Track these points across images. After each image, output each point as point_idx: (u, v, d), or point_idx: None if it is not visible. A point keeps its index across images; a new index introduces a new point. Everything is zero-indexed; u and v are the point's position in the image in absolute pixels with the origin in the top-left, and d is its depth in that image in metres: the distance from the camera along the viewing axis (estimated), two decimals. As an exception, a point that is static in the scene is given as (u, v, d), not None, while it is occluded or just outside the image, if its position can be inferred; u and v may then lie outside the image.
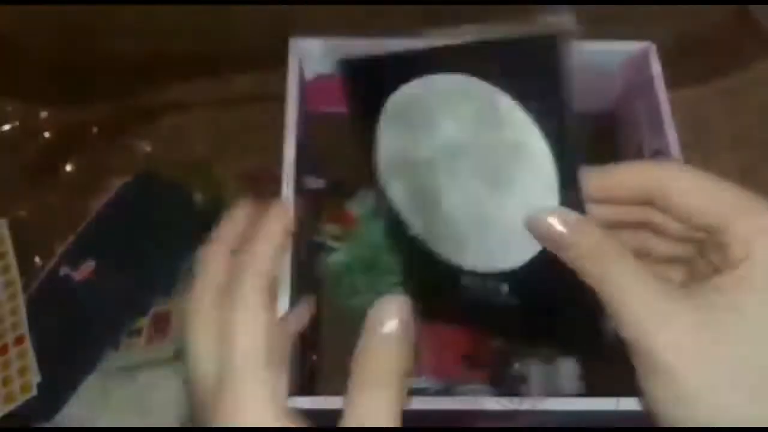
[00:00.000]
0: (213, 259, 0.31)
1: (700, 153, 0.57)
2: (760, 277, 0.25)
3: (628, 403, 0.37)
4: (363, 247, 0.53)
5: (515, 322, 0.33)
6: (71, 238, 0.54)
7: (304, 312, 0.37)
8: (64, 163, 0.58)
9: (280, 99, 0.46)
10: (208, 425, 0.27)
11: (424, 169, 0.31)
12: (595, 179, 0.29)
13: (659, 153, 0.46)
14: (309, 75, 0.49)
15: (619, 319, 0.26)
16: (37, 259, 0.54)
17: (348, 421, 0.25)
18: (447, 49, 0.30)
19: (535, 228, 0.28)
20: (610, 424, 0.41)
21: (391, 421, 0.25)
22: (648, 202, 0.29)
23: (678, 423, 0.25)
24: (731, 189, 0.27)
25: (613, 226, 0.30)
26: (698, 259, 0.29)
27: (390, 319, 0.28)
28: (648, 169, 0.29)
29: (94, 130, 0.59)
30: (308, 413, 0.36)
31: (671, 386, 0.25)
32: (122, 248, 0.53)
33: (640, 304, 0.25)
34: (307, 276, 0.47)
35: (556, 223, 0.27)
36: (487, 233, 0.31)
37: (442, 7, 0.61)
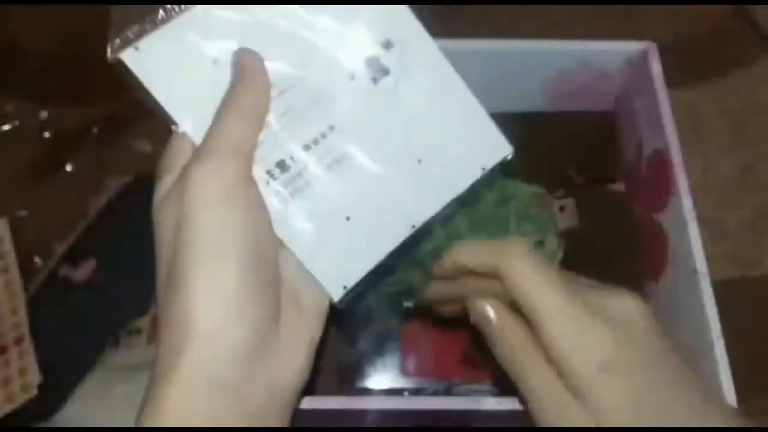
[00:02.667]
0: None
1: (700, 153, 0.57)
2: None
3: (628, 403, 0.37)
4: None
5: None
6: (71, 238, 0.54)
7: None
8: (64, 163, 0.58)
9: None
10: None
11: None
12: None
13: (659, 152, 0.46)
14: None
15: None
16: (37, 259, 0.54)
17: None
18: None
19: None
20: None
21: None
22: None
23: None
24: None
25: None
26: None
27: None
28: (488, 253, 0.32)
29: (94, 130, 0.59)
30: (309, 413, 0.36)
31: None
32: (122, 248, 0.53)
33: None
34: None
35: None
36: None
37: (443, 7, 0.61)
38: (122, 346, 0.51)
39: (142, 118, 0.59)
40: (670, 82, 0.47)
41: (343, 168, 0.32)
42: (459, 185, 0.33)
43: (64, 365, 0.50)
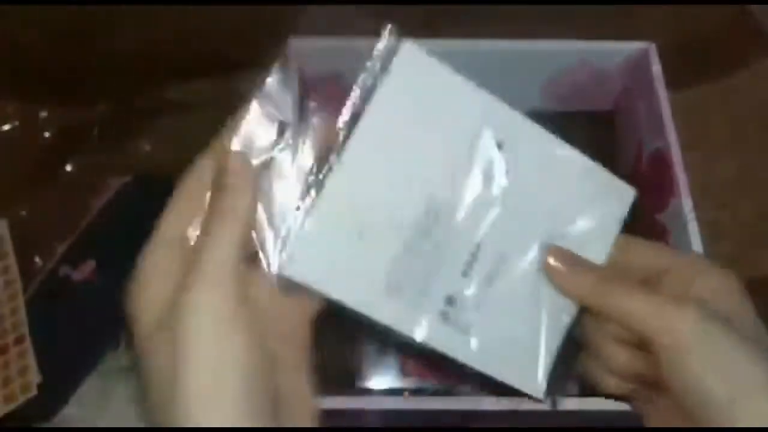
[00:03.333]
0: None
1: (700, 153, 0.57)
2: None
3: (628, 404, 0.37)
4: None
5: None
6: (71, 238, 0.54)
7: None
8: (64, 163, 0.58)
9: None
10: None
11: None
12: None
13: (659, 152, 0.46)
14: (308, 75, 0.49)
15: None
16: (37, 259, 0.54)
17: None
18: None
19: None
20: (610, 424, 0.41)
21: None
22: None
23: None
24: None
25: None
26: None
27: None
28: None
29: (94, 130, 0.59)
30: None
31: None
32: (122, 248, 0.53)
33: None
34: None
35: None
36: None
37: (443, 7, 0.61)
38: (122, 347, 0.51)
39: (142, 119, 0.59)
40: (670, 82, 0.47)
41: (500, 279, 0.32)
42: (601, 251, 0.34)
43: (64, 365, 0.50)
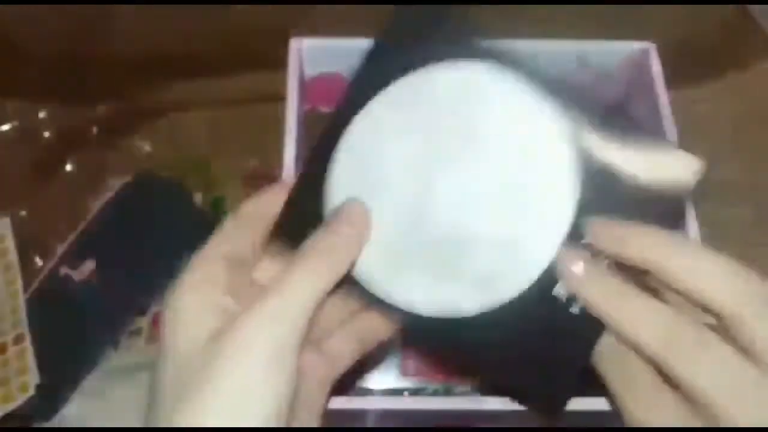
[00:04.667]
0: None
1: (700, 153, 0.57)
2: None
3: (628, 403, 0.37)
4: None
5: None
6: (71, 238, 0.54)
7: None
8: (64, 162, 0.58)
9: (281, 99, 0.46)
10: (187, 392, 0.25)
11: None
12: (597, 232, 0.29)
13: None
14: (309, 75, 0.49)
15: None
16: (37, 259, 0.54)
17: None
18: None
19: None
20: (610, 424, 0.41)
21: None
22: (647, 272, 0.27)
23: None
24: (744, 276, 0.26)
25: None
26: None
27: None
28: (648, 245, 0.27)
29: (94, 129, 0.59)
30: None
31: None
32: (122, 248, 0.53)
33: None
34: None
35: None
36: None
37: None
38: (122, 347, 0.51)
39: (142, 118, 0.59)
40: (671, 82, 0.47)
41: None
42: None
43: (64, 365, 0.50)
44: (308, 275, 0.27)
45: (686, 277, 0.26)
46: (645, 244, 0.27)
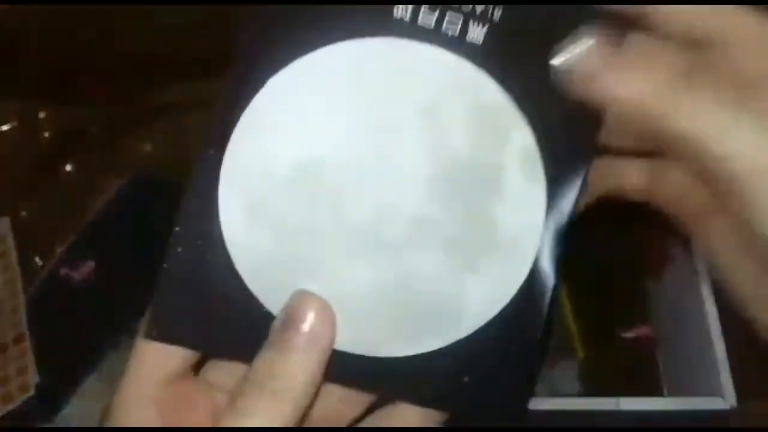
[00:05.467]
0: None
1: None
2: None
3: (628, 404, 0.37)
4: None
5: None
6: (71, 238, 0.54)
7: None
8: (64, 163, 0.58)
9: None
10: None
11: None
12: None
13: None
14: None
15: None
16: (37, 259, 0.54)
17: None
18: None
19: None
20: (611, 425, 0.41)
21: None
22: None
23: None
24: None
25: None
26: None
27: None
28: None
29: (94, 130, 0.59)
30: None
31: None
32: (122, 248, 0.53)
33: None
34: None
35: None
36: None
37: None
38: (122, 347, 0.51)
39: (142, 119, 0.59)
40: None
41: None
42: None
43: (64, 365, 0.50)
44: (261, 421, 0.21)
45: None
46: None
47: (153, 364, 0.24)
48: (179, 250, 0.25)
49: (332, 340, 0.23)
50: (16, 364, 0.49)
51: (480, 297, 0.24)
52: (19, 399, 0.47)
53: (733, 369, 0.39)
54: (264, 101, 0.24)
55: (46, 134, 0.59)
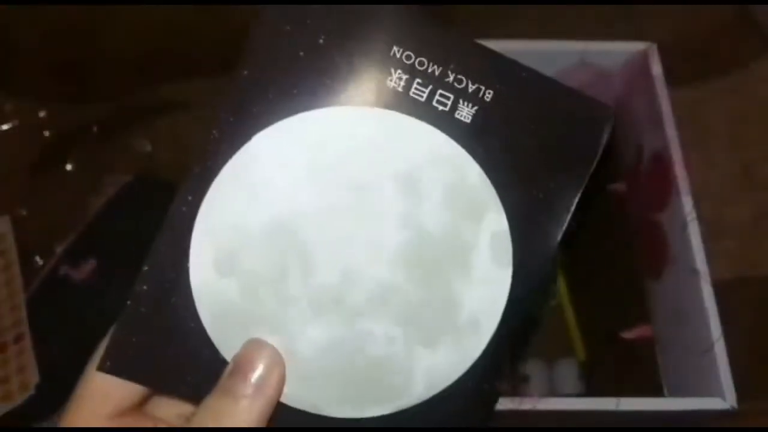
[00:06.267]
0: None
1: (701, 152, 0.57)
2: None
3: (628, 404, 0.37)
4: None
5: None
6: (71, 238, 0.54)
7: None
8: (64, 162, 0.58)
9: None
10: None
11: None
12: None
13: (659, 152, 0.46)
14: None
15: None
16: (37, 259, 0.54)
17: None
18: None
19: None
20: (610, 425, 0.41)
21: None
22: None
23: None
24: None
25: None
26: None
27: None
28: None
29: (94, 129, 0.59)
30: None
31: None
32: (122, 248, 0.53)
33: None
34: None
35: None
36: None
37: (443, 8, 0.61)
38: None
39: (142, 118, 0.59)
40: (671, 82, 0.47)
41: None
42: None
43: (64, 365, 0.50)
44: None
45: None
46: None
47: (101, 396, 0.24)
48: (144, 287, 0.25)
49: (279, 392, 0.23)
50: (16, 364, 0.49)
51: (430, 370, 0.25)
52: (19, 398, 0.47)
53: (733, 369, 0.39)
54: (246, 156, 0.25)
55: (47, 134, 0.59)
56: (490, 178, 0.25)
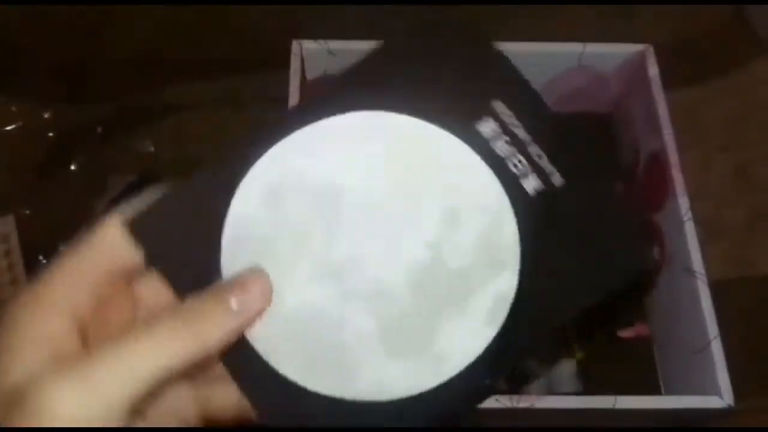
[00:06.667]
0: None
1: (698, 153, 0.57)
2: None
3: (626, 402, 0.38)
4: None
5: None
6: (75, 238, 0.54)
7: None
8: (68, 162, 0.58)
9: (282, 100, 0.46)
10: None
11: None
12: None
13: (656, 153, 0.47)
14: (311, 76, 0.50)
15: None
16: (41, 258, 0.54)
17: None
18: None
19: None
20: (608, 423, 0.41)
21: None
22: None
23: None
24: None
25: None
26: None
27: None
28: None
29: (98, 129, 0.59)
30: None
31: None
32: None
33: None
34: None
35: None
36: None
37: (443, 7, 0.61)
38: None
39: (146, 119, 0.60)
40: (668, 83, 0.47)
41: None
42: None
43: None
44: (160, 348, 0.23)
45: None
46: None
47: (108, 248, 0.25)
48: (198, 184, 0.27)
49: (252, 322, 0.25)
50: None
51: (380, 380, 0.26)
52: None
53: (730, 368, 0.39)
54: (335, 121, 0.27)
55: (51, 134, 0.59)
56: (522, 244, 0.26)
